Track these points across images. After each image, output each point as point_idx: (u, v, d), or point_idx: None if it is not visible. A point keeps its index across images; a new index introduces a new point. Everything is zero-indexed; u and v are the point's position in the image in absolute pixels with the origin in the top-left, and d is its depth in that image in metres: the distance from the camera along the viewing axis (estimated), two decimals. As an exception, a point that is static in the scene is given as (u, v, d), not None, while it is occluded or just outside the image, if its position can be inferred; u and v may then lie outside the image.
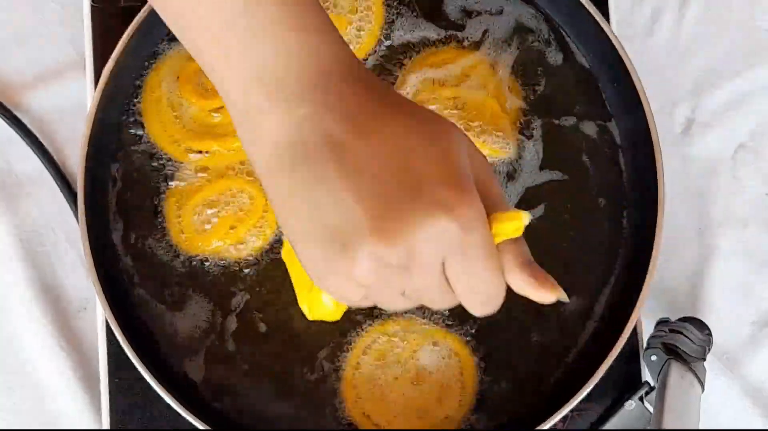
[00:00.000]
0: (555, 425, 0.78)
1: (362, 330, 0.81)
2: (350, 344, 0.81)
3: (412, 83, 0.82)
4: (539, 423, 0.77)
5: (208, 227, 0.80)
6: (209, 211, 0.81)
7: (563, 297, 0.57)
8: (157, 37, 0.82)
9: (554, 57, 0.85)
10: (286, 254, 0.65)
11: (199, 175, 0.81)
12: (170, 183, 0.81)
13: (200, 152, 0.81)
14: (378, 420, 0.79)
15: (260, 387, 0.80)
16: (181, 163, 0.82)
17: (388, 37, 0.84)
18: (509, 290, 0.57)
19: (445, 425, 0.80)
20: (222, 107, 0.81)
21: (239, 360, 0.80)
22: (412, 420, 0.79)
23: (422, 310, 0.81)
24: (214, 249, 0.80)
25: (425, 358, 0.80)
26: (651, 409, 0.82)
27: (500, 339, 0.81)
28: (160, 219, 0.81)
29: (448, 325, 0.81)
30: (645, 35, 0.91)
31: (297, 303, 0.64)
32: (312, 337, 0.80)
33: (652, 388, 0.82)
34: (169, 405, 0.76)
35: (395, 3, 0.84)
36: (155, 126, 0.82)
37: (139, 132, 0.82)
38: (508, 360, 0.81)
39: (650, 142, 0.80)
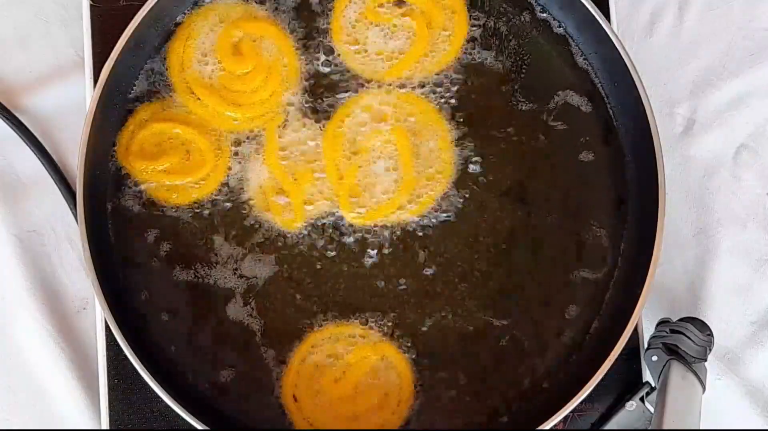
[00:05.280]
0: (556, 425, 0.78)
1: (317, 325, 0.81)
2: (301, 337, 0.81)
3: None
4: (540, 423, 0.77)
5: (149, 153, 0.81)
6: (162, 143, 0.82)
7: None
8: (157, 36, 0.83)
9: (554, 58, 0.85)
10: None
11: (182, 112, 0.82)
12: (156, 98, 0.82)
13: (195, 96, 0.82)
14: (310, 415, 0.79)
15: (206, 366, 0.80)
16: (175, 93, 0.83)
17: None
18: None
19: None
20: (245, 74, 0.82)
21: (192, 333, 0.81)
22: (344, 422, 0.80)
23: (378, 322, 0.81)
24: (136, 171, 0.81)
25: (369, 367, 0.80)
26: (652, 410, 0.82)
27: (444, 359, 0.81)
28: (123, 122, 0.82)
29: (399, 341, 0.81)
30: (645, 35, 0.91)
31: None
32: (267, 323, 0.81)
33: (653, 388, 0.82)
34: (167, 405, 0.76)
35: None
36: (177, 51, 0.83)
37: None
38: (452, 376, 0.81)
39: (650, 142, 0.80)
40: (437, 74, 0.84)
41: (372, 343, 0.81)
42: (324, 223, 0.82)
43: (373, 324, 0.81)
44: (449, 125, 0.83)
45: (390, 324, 0.81)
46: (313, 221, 0.82)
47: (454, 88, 0.84)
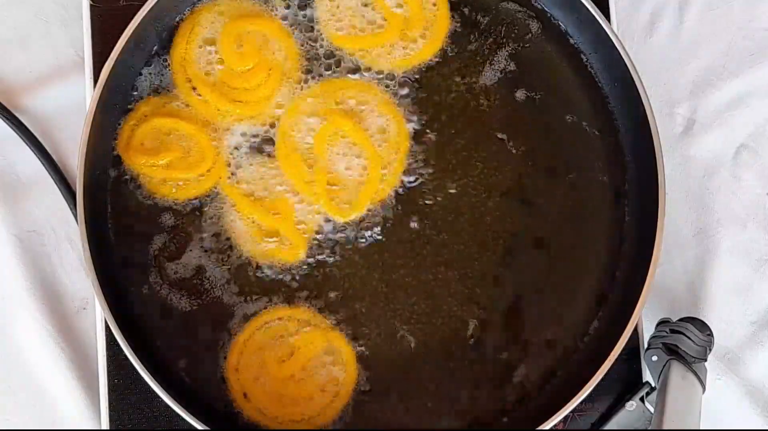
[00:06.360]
0: (556, 425, 0.78)
1: (270, 305, 0.81)
2: (254, 315, 0.81)
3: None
4: (540, 423, 0.77)
5: (150, 148, 0.82)
6: (163, 139, 0.82)
7: None
8: (157, 36, 0.83)
9: (554, 58, 0.85)
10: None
11: (183, 108, 0.82)
12: (157, 94, 0.82)
13: (197, 92, 0.82)
14: (249, 390, 0.80)
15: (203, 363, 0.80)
16: (177, 89, 0.83)
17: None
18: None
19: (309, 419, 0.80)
20: (247, 71, 0.82)
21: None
22: (281, 403, 0.80)
23: (333, 311, 0.81)
24: (137, 166, 0.81)
25: (315, 353, 0.80)
26: (652, 410, 0.82)
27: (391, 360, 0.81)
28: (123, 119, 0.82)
29: (349, 335, 0.81)
30: (645, 35, 0.91)
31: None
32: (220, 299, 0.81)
33: (653, 388, 0.82)
34: (167, 405, 0.76)
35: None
36: (179, 47, 0.83)
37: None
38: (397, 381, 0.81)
39: (650, 142, 0.80)
40: (418, 67, 0.84)
41: (322, 331, 0.81)
42: (319, 236, 0.82)
43: (327, 313, 0.81)
44: (387, 94, 0.83)
45: (352, 316, 0.81)
46: (311, 240, 0.82)
47: (442, 83, 0.84)
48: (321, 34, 0.84)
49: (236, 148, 0.82)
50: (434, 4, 0.85)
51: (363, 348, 0.81)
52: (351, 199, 0.82)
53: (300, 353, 0.80)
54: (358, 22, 0.84)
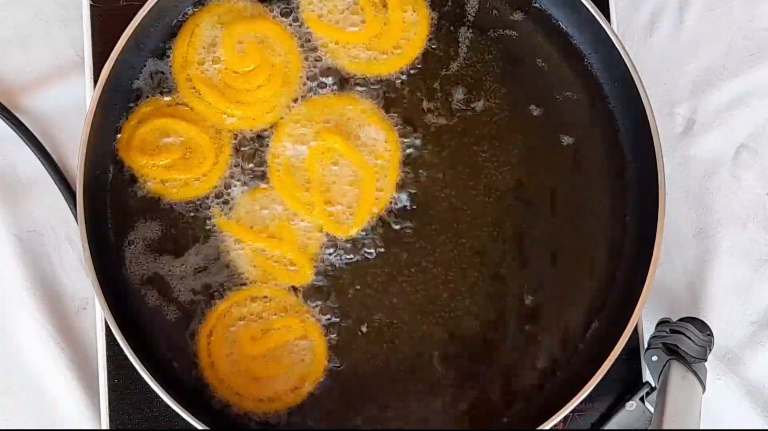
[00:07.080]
0: (556, 425, 0.78)
1: (256, 282, 0.81)
2: (233, 289, 0.81)
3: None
4: (540, 423, 0.77)
5: (150, 148, 0.82)
6: (163, 139, 0.82)
7: None
8: (157, 36, 0.83)
9: (555, 58, 0.85)
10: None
11: (183, 109, 0.82)
12: (158, 94, 0.82)
13: (198, 92, 0.82)
14: (215, 360, 0.80)
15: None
16: (177, 90, 0.82)
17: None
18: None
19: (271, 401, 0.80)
20: (248, 72, 0.83)
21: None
22: (245, 380, 0.80)
23: (316, 302, 0.81)
24: (137, 166, 0.81)
25: (290, 338, 0.80)
26: (652, 409, 0.82)
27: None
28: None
29: (327, 329, 0.81)
30: (645, 35, 0.91)
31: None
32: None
33: (653, 388, 0.82)
34: (167, 405, 0.76)
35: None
36: (181, 48, 0.83)
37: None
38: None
39: (650, 142, 0.80)
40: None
41: (301, 318, 0.81)
42: (323, 255, 0.82)
43: (312, 304, 0.81)
44: (375, 105, 0.83)
45: (340, 313, 0.81)
46: (318, 260, 0.82)
47: (435, 86, 0.84)
48: (303, 21, 0.84)
49: (231, 177, 0.82)
50: (414, 11, 0.85)
51: (335, 343, 0.81)
52: (350, 214, 0.82)
53: (274, 334, 0.80)
54: (337, 12, 0.84)
